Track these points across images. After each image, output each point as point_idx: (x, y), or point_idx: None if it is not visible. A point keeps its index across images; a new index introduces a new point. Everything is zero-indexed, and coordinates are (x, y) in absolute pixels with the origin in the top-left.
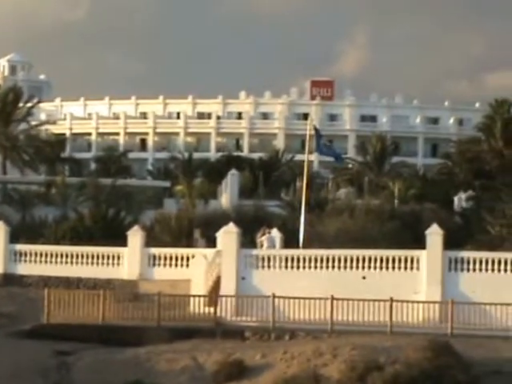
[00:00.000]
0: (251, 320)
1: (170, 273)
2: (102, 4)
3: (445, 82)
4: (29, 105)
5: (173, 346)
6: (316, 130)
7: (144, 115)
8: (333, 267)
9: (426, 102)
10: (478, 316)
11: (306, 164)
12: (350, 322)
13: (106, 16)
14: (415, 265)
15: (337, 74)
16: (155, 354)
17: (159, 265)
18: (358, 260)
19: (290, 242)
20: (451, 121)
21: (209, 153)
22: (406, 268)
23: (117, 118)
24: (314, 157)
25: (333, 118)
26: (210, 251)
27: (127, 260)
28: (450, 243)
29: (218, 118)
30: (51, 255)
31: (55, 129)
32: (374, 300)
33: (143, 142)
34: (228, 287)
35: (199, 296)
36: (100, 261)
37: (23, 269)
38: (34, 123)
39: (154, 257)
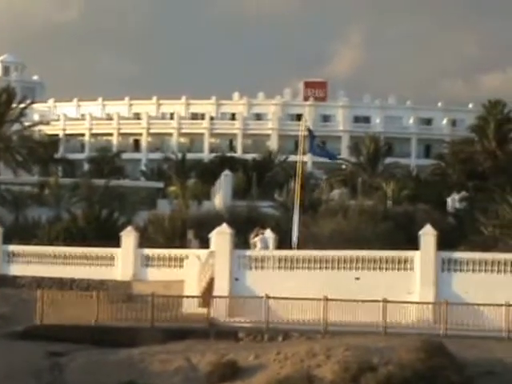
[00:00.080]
0: (245, 321)
1: (163, 274)
2: (94, 5)
3: (439, 83)
4: (22, 105)
5: (166, 346)
6: (309, 130)
7: (137, 116)
8: (326, 268)
9: (420, 103)
10: (472, 317)
11: (299, 165)
12: (343, 323)
13: (99, 17)
14: (409, 265)
15: (330, 74)
16: (149, 354)
17: (153, 266)
18: (351, 261)
19: (283, 242)
20: (444, 122)
21: (202, 153)
22: (399, 269)
23: (110, 118)
24: (308, 158)
25: (326, 118)
26: (203, 252)
27: (121, 261)
28: (444, 244)
29: (212, 118)
30: (44, 256)
31: (48, 129)
32: (368, 301)
33: (136, 142)
34: (221, 288)
35: (193, 297)
36: (93, 262)
37: (16, 270)
38: (27, 124)
39: (148, 258)
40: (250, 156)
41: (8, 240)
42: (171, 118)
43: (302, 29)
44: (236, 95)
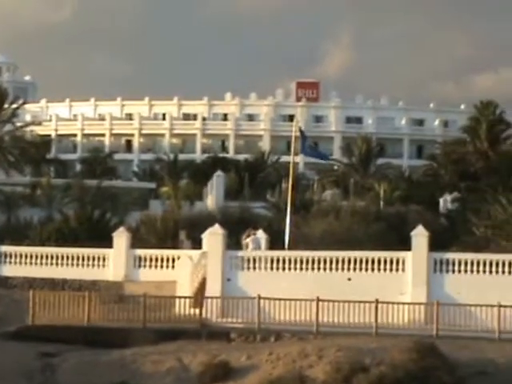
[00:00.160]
0: (237, 321)
1: (155, 274)
2: (87, 5)
3: (431, 84)
4: (14, 106)
5: (158, 347)
6: (301, 131)
7: (130, 116)
8: (318, 269)
9: (412, 104)
10: (464, 317)
11: (291, 165)
12: (335, 324)
13: (92, 17)
14: (400, 266)
15: (322, 75)
16: (141, 355)
17: (145, 266)
18: (343, 261)
19: (275, 243)
20: (436, 122)
21: (194, 154)
22: (391, 269)
23: (102, 119)
24: (300, 158)
25: (318, 119)
26: (195, 253)
27: (113, 261)
28: (436, 245)
29: (204, 119)
30: (36, 257)
31: (40, 130)
32: (360, 301)
33: (129, 143)
34: (213, 288)
35: (185, 297)
36: (85, 262)
37: (8, 270)
38: (19, 124)
39: (140, 258)
40: (242, 157)
41: (0, 241)
42: (163, 118)
43: (293, 29)
44: (228, 96)
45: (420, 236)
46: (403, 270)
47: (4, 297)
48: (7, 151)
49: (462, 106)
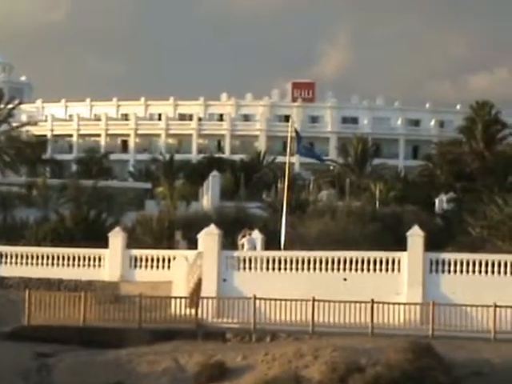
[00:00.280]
0: (232, 321)
1: (151, 274)
2: (81, 5)
3: (427, 84)
4: (10, 106)
5: (154, 347)
6: (296, 132)
7: (125, 117)
8: (314, 269)
9: (408, 104)
10: (459, 317)
11: (287, 166)
12: (331, 324)
13: (87, 17)
14: (396, 266)
15: (318, 75)
16: (136, 355)
17: (140, 266)
18: (339, 262)
19: (271, 243)
20: (432, 123)
21: (190, 154)
22: (387, 270)
23: (98, 119)
24: (296, 158)
25: (314, 119)
26: (191, 253)
27: (108, 262)
28: (431, 245)
29: (200, 119)
30: (32, 257)
31: (36, 130)
32: (355, 302)
33: (124, 143)
34: (209, 289)
35: (180, 298)
36: (81, 262)
37: (4, 270)
38: (14, 124)
39: (136, 258)
40: (238, 157)
41: None
42: (159, 118)
43: (289, 29)
44: (224, 96)
45: (416, 236)
46: (399, 270)
47: (0, 297)
48: (3, 151)
49: (458, 107)
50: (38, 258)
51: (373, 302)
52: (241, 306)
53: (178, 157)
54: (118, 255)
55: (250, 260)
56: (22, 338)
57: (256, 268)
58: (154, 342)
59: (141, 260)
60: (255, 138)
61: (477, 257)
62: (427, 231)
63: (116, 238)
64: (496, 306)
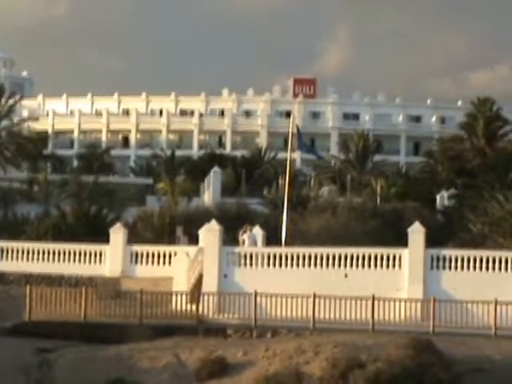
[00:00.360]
0: (233, 317)
1: (152, 270)
2: (82, 0)
3: (428, 80)
4: (11, 102)
5: (155, 343)
6: (297, 128)
7: (126, 112)
8: (315, 265)
9: (409, 100)
10: (460, 314)
11: (288, 162)
12: (332, 320)
13: (87, 12)
14: (397, 263)
15: (319, 71)
16: (137, 351)
17: (141, 262)
18: (340, 258)
19: (272, 239)
20: (433, 119)
21: (191, 150)
22: (388, 266)
23: (99, 115)
24: (297, 155)
25: (315, 115)
26: (192, 249)
27: (109, 257)
28: (432, 241)
29: (201, 115)
30: (33, 252)
31: (37, 126)
32: (356, 298)
33: (126, 139)
34: (210, 285)
35: (181, 293)
36: (82, 258)
37: (5, 266)
38: (16, 120)
39: (137, 254)
40: (239, 153)
41: None
42: (160, 114)
43: (290, 25)
44: (225, 92)
45: (417, 232)
46: (400, 266)
47: (1, 292)
48: (4, 147)
49: (459, 103)
50: (39, 253)
51: (373, 298)
52: (242, 301)
53: (179, 152)
54: (119, 251)
55: (251, 256)
56: (23, 334)
57: (257, 264)
58: (155, 337)
59: (142, 256)
60: (256, 134)
61: (478, 253)
62: (428, 227)
63: (117, 233)
64: (497, 303)
